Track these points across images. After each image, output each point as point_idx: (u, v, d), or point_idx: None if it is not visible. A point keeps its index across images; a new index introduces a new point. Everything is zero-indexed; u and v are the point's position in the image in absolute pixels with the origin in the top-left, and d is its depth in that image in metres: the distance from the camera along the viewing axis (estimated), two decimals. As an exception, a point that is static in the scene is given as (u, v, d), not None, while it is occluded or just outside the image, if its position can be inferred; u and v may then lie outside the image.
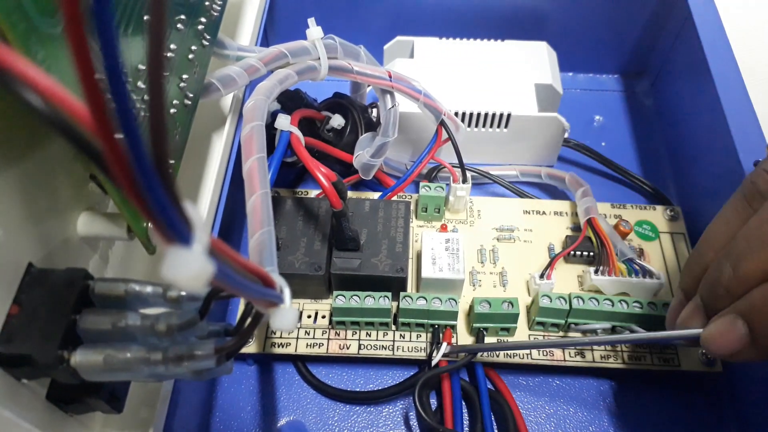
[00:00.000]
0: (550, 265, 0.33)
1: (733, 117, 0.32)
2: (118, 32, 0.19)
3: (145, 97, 0.20)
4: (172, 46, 0.22)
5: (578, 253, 0.34)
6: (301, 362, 0.33)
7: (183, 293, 0.18)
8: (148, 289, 0.18)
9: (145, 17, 0.20)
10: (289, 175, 0.39)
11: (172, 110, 0.22)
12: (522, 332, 0.32)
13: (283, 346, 0.32)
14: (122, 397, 0.21)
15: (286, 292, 0.17)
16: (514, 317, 0.31)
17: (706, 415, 0.32)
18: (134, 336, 0.18)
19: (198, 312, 0.18)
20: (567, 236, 0.35)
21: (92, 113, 0.09)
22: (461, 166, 0.35)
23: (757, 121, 0.32)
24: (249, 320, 0.18)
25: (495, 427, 0.31)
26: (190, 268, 0.11)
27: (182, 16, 0.23)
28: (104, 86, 0.09)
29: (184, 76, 0.23)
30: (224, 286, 0.13)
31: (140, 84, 0.20)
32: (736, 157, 0.31)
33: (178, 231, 0.11)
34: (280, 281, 0.17)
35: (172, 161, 0.22)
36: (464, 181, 0.36)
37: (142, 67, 0.20)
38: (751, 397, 0.30)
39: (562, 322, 0.31)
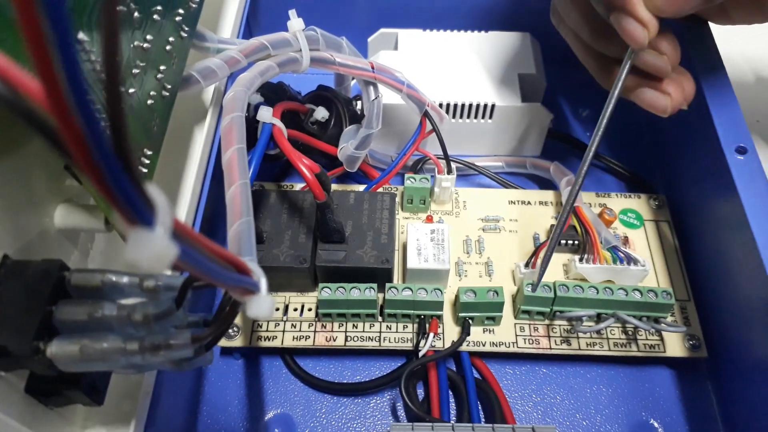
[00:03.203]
0: (534, 253, 0.33)
1: (715, 106, 0.32)
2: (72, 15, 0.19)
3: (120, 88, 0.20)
4: (149, 37, 0.22)
5: (563, 241, 0.34)
6: (288, 355, 0.33)
7: (160, 283, 0.18)
8: (125, 279, 0.18)
9: (118, 8, 0.20)
10: (273, 169, 0.39)
11: (149, 101, 0.22)
12: (508, 321, 0.32)
13: (269, 339, 0.32)
14: (102, 390, 0.21)
15: (263, 281, 0.17)
16: (500, 306, 0.31)
17: (691, 399, 0.32)
18: (111, 326, 0.18)
19: (174, 301, 0.18)
20: (552, 225, 0.35)
21: (45, 89, 0.09)
22: (446, 157, 0.35)
23: (738, 109, 0.32)
24: (226, 309, 0.18)
25: (482, 415, 0.31)
26: (151, 249, 0.11)
27: (158, 7, 0.23)
28: (57, 61, 0.09)
29: (162, 68, 0.23)
30: (191, 269, 0.13)
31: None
32: (718, 146, 0.31)
33: (140, 213, 0.11)
34: (257, 270, 0.17)
35: (150, 152, 0.22)
36: (449, 172, 0.36)
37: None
38: (734, 381, 0.30)
39: (548, 310, 0.31)
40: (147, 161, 0.22)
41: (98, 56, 0.19)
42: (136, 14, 0.21)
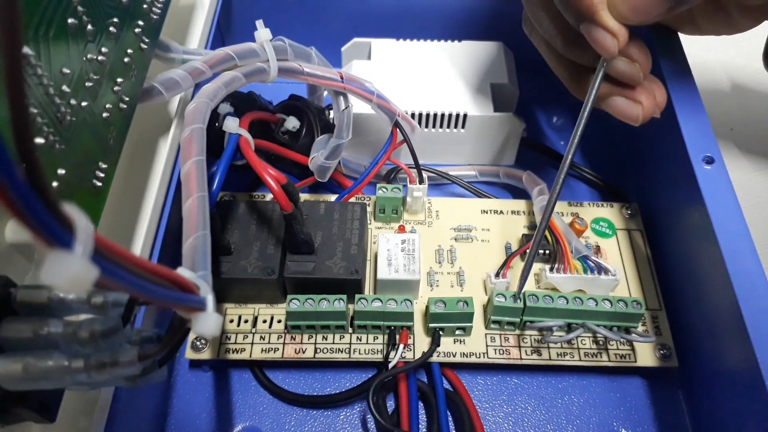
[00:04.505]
0: (505, 263, 0.33)
1: (683, 116, 0.32)
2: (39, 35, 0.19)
3: (71, 101, 0.20)
4: (104, 50, 0.22)
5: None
6: (257, 367, 0.32)
7: (108, 299, 0.18)
8: (72, 295, 0.18)
9: (69, 20, 0.20)
10: (247, 179, 0.38)
11: (105, 114, 0.22)
12: (478, 332, 0.32)
13: (238, 352, 0.31)
14: (54, 407, 0.20)
15: (209, 298, 0.17)
16: (469, 316, 0.31)
17: (662, 409, 0.32)
18: (57, 344, 0.18)
19: (121, 318, 0.18)
20: (523, 235, 0.35)
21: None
22: (417, 166, 0.35)
23: (706, 119, 0.32)
24: (174, 326, 0.18)
25: (452, 427, 0.31)
26: (69, 271, 0.11)
27: (115, 20, 0.23)
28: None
29: (119, 80, 0.23)
30: (121, 288, 0.12)
31: (65, 88, 0.20)
32: (687, 155, 0.31)
33: (56, 235, 0.11)
34: (203, 286, 0.17)
35: (105, 165, 0.22)
36: (420, 181, 0.35)
37: (66, 71, 0.20)
38: (705, 390, 0.30)
39: (518, 320, 0.31)
40: (102, 175, 0.22)
41: (45, 71, 0.19)
42: (89, 27, 0.21)
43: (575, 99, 0.32)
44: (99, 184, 0.21)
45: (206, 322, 0.16)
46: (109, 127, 0.22)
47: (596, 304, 0.30)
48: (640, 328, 0.32)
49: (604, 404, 0.32)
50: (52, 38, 0.19)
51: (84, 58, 0.21)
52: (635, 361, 0.31)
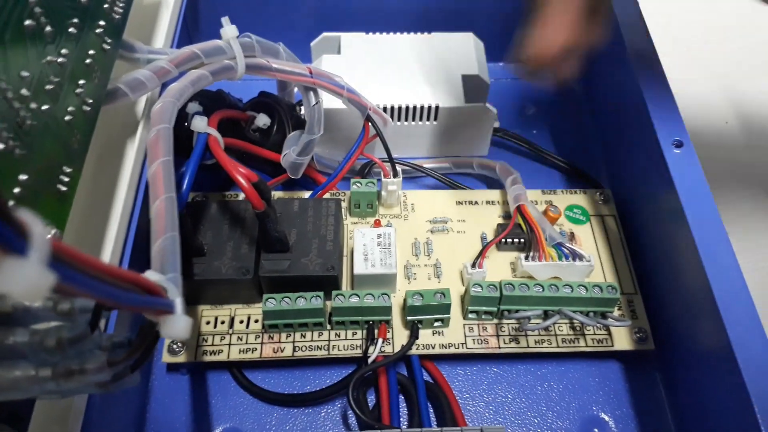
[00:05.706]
0: (481, 253, 0.33)
1: (652, 102, 0.32)
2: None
3: (31, 105, 0.20)
4: (64, 51, 0.22)
5: (509, 240, 0.34)
6: (236, 368, 0.32)
7: (75, 305, 0.18)
8: (37, 303, 0.18)
9: (26, 22, 0.20)
10: (218, 179, 0.38)
11: (68, 117, 0.22)
12: (456, 322, 0.32)
13: (215, 354, 0.31)
14: (26, 417, 0.20)
15: (178, 300, 0.17)
16: (447, 307, 0.31)
17: (640, 391, 0.32)
18: (24, 353, 0.17)
19: (88, 324, 0.17)
20: (498, 224, 0.35)
21: None
22: (390, 160, 0.35)
23: (674, 104, 0.32)
24: (144, 330, 0.17)
25: (433, 418, 0.31)
26: (24, 279, 0.10)
27: (75, 20, 0.22)
28: None
29: (81, 82, 0.23)
30: (83, 294, 0.12)
31: (24, 91, 0.19)
32: (656, 140, 0.31)
33: (9, 241, 0.10)
34: (171, 288, 0.17)
35: (70, 170, 0.21)
36: (395, 175, 0.35)
37: (25, 74, 0.19)
38: (681, 371, 0.31)
39: (495, 309, 0.31)
40: (67, 179, 0.21)
41: (2, 74, 0.18)
42: (48, 28, 0.21)
43: (547, 87, 0.32)
44: (64, 189, 0.21)
45: (175, 325, 0.16)
46: (72, 130, 0.22)
47: (572, 291, 0.31)
48: (616, 313, 0.32)
49: (584, 389, 0.32)
50: (9, 41, 0.18)
51: (43, 61, 0.20)
52: (612, 345, 0.32)
